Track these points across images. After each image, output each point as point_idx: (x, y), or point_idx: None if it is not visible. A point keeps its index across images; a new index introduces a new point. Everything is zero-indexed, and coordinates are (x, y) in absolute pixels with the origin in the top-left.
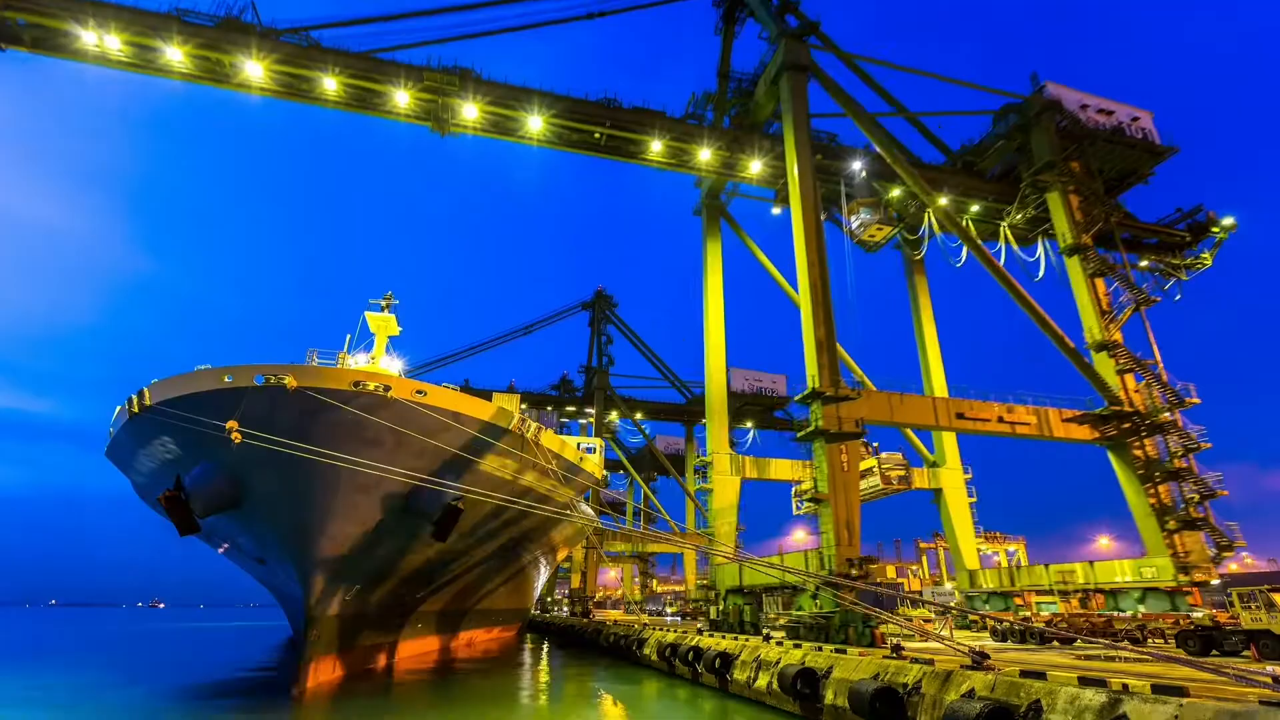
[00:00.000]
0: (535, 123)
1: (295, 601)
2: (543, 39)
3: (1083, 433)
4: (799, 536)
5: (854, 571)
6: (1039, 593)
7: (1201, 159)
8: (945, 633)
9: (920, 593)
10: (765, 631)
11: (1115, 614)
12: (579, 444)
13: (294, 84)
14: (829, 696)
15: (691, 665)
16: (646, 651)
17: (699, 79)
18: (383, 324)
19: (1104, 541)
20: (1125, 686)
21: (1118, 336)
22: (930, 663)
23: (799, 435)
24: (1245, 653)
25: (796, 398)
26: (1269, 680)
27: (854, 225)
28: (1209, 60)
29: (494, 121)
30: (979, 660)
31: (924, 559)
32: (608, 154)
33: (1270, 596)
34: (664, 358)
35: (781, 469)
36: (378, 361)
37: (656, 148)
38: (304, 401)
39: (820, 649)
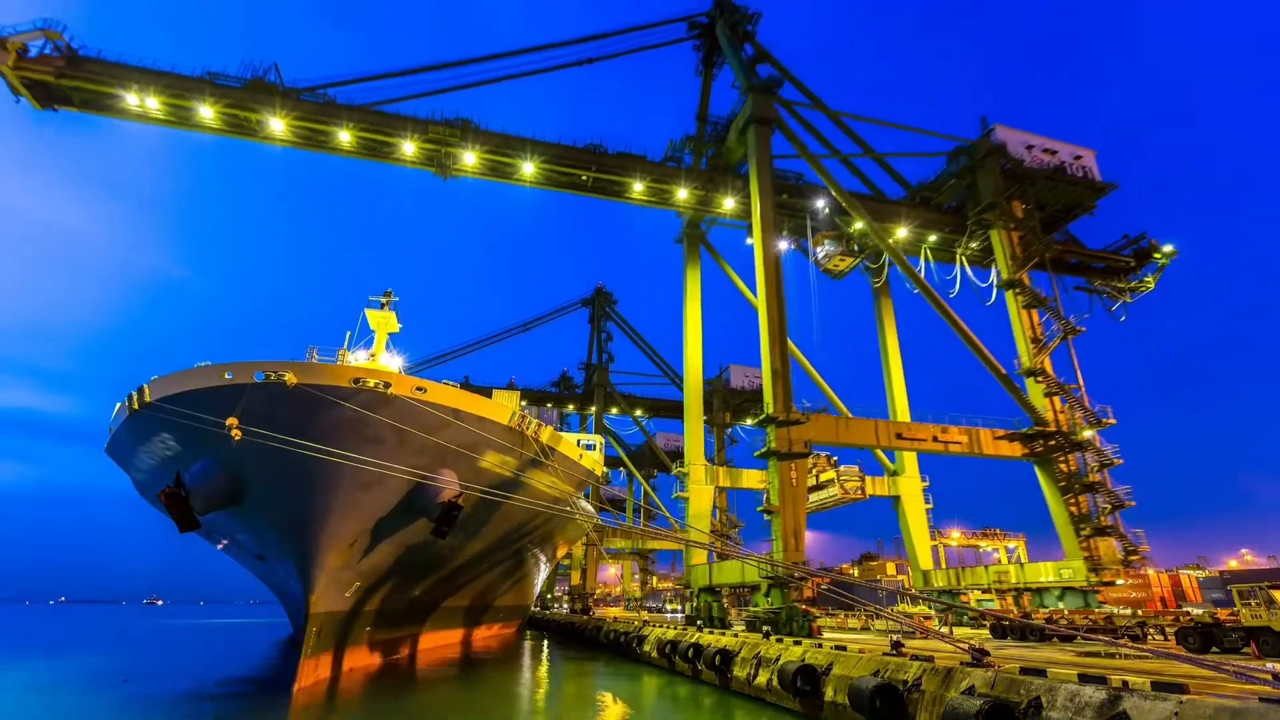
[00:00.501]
0: (528, 167)
1: (295, 599)
2: (537, 82)
3: (1012, 449)
4: None
5: (796, 574)
6: (980, 591)
7: (1166, 189)
8: (945, 630)
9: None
10: (731, 623)
11: (1039, 609)
12: (579, 440)
13: (312, 136)
14: (829, 693)
15: (691, 662)
16: (646, 648)
17: (682, 112)
18: (382, 321)
19: None
20: (1125, 683)
21: (1045, 363)
22: (930, 659)
23: (755, 454)
24: (1245, 649)
25: (752, 422)
26: (1269, 677)
27: (820, 255)
28: (1180, 96)
29: (491, 166)
30: (979, 657)
31: None
32: (594, 194)
33: (1270, 593)
34: (664, 355)
35: (752, 478)
36: (378, 358)
37: (639, 188)
38: (304, 398)
39: (820, 646)
